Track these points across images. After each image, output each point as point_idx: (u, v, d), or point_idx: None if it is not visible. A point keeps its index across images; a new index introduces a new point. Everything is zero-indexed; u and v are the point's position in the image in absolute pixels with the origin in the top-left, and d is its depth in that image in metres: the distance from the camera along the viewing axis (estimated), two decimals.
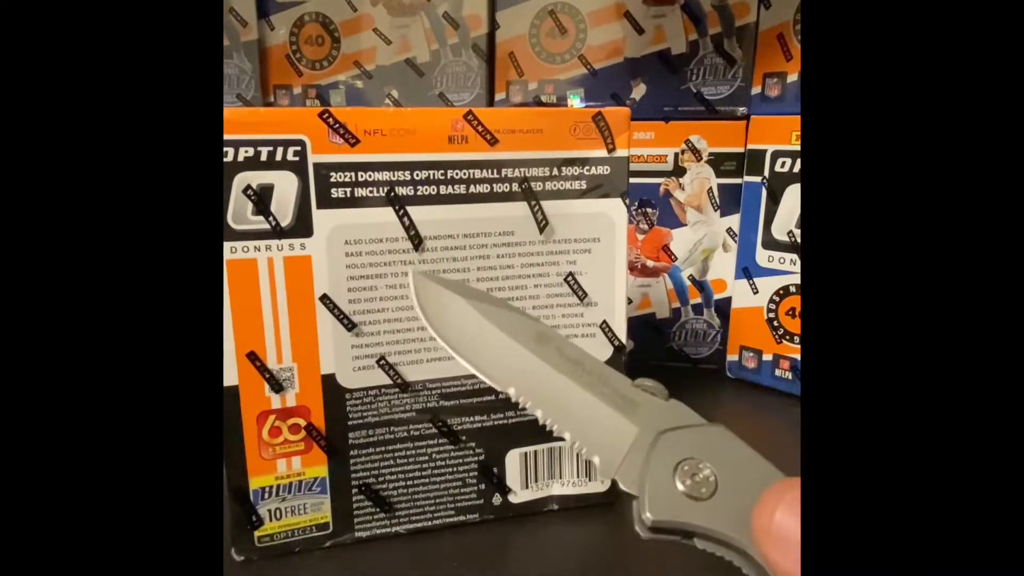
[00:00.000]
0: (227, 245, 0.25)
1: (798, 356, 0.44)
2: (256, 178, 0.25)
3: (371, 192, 0.26)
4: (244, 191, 0.24)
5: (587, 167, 0.28)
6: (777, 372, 0.45)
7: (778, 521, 0.17)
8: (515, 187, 0.27)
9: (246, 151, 0.24)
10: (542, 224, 0.28)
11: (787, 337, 0.44)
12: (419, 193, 0.26)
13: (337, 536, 0.28)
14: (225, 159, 0.24)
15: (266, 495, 0.27)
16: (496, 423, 0.29)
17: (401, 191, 0.26)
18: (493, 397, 0.29)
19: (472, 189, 0.27)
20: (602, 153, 0.28)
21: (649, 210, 0.46)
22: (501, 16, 0.48)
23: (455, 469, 0.29)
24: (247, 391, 0.26)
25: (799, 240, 0.42)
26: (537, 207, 0.28)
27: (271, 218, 0.25)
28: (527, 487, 0.30)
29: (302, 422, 0.27)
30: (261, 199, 0.25)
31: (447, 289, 0.23)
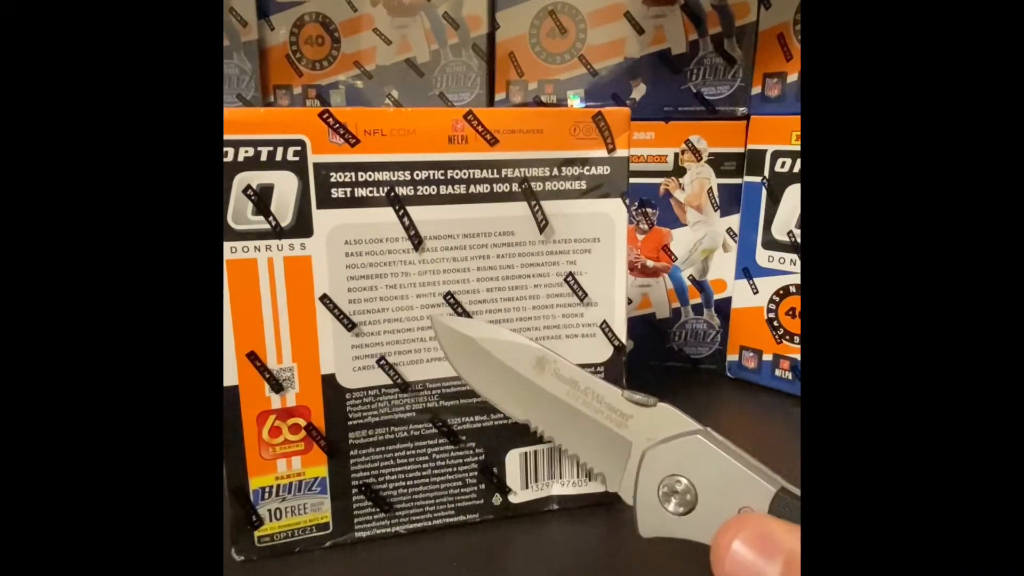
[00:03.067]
0: (227, 245, 0.25)
1: (798, 356, 0.44)
2: (256, 178, 0.25)
3: (371, 192, 0.26)
4: (244, 191, 0.24)
5: (587, 167, 0.28)
6: (777, 372, 0.45)
7: (731, 567, 0.18)
8: (515, 187, 0.27)
9: (246, 151, 0.24)
10: (542, 224, 0.28)
11: (787, 337, 0.44)
12: (419, 193, 0.26)
13: (337, 536, 0.28)
14: (225, 159, 0.24)
15: (266, 495, 0.27)
16: (496, 423, 0.29)
17: (401, 191, 0.26)
18: None
19: (472, 189, 0.27)
20: (602, 153, 0.28)
21: (649, 210, 0.46)
22: (501, 16, 0.48)
23: (455, 469, 0.29)
24: (247, 391, 0.26)
25: (799, 240, 0.42)
26: (537, 207, 0.28)
27: (271, 218, 0.25)
28: (527, 487, 0.30)
29: (302, 422, 0.27)
30: (261, 199, 0.25)
31: (461, 331, 0.25)
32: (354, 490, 0.28)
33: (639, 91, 0.46)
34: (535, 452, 0.30)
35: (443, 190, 0.26)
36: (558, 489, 0.31)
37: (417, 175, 0.26)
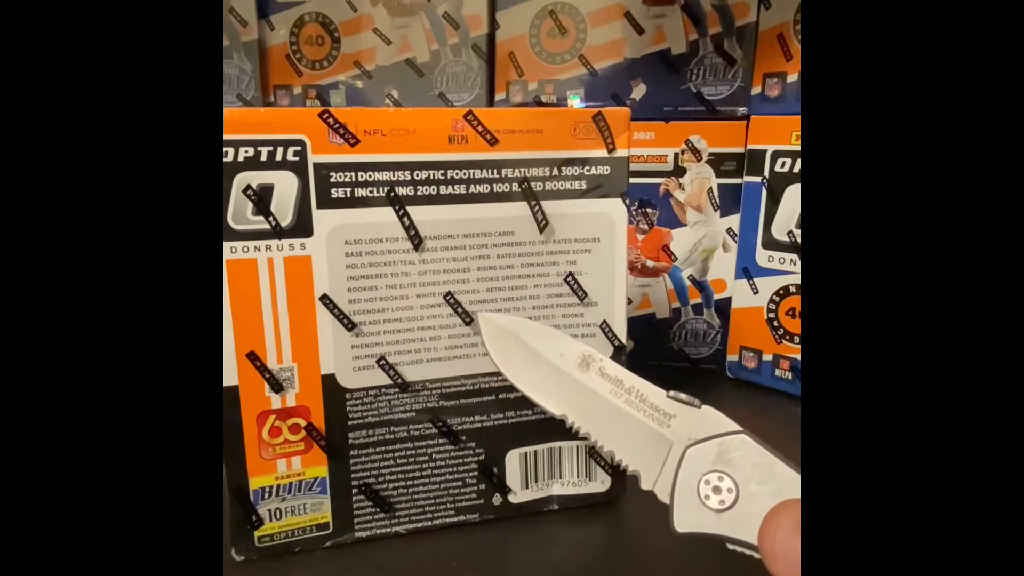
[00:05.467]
0: (227, 245, 0.25)
1: (798, 356, 0.44)
2: (256, 178, 0.25)
3: (371, 192, 0.26)
4: (244, 191, 0.24)
5: (587, 167, 0.28)
6: (777, 372, 0.45)
7: (780, 543, 0.18)
8: (515, 187, 0.27)
9: (246, 151, 0.24)
10: (542, 224, 0.28)
11: (787, 337, 0.44)
12: (419, 193, 0.26)
13: (337, 536, 0.28)
14: (225, 159, 0.24)
15: (266, 495, 0.27)
16: (496, 423, 0.29)
17: (401, 191, 0.26)
18: (493, 397, 0.29)
19: (472, 189, 0.27)
20: (602, 153, 0.28)
21: (649, 210, 0.46)
22: (501, 16, 0.48)
23: (455, 469, 0.29)
24: (247, 391, 0.26)
25: (799, 240, 0.42)
26: (537, 207, 0.27)
27: (271, 218, 0.25)
28: (527, 487, 0.30)
29: (302, 422, 0.27)
30: (261, 199, 0.25)
31: (507, 327, 0.26)
32: (354, 490, 0.28)
33: (639, 91, 0.46)
34: (535, 452, 0.30)
35: (443, 190, 0.26)
36: (558, 489, 0.31)
37: (417, 175, 0.26)
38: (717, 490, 0.21)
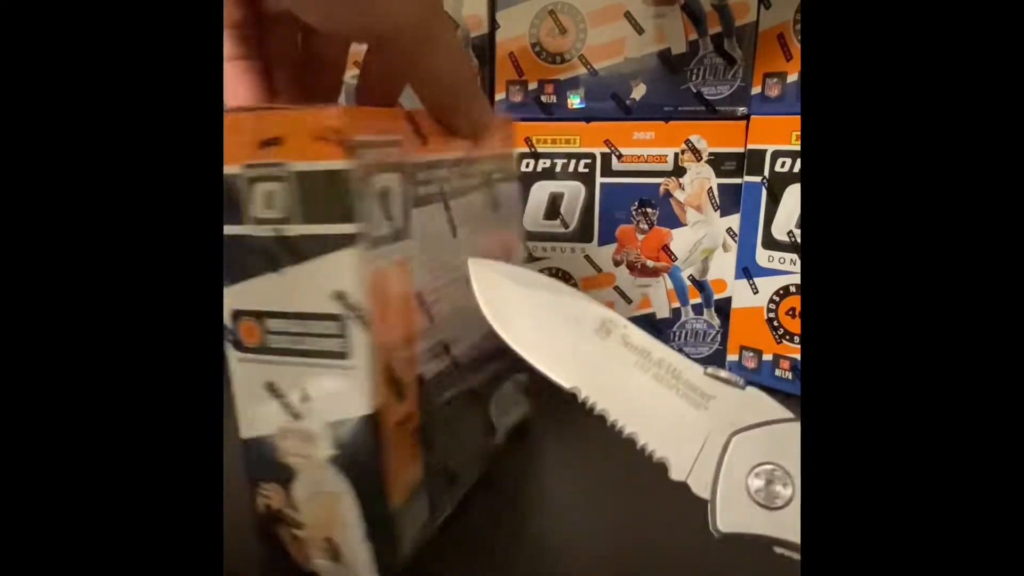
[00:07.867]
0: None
1: (798, 356, 0.44)
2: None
3: (432, 190, 0.26)
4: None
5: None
6: (777, 372, 0.45)
7: None
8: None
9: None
10: None
11: (787, 337, 0.44)
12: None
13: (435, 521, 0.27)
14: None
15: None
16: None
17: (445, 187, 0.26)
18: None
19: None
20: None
21: (649, 210, 0.46)
22: (501, 16, 0.47)
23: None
24: (384, 408, 0.23)
25: (799, 240, 0.42)
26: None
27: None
28: None
29: (411, 426, 0.25)
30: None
31: (508, 275, 0.21)
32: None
33: (639, 91, 0.46)
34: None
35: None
36: None
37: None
38: (770, 485, 0.18)
